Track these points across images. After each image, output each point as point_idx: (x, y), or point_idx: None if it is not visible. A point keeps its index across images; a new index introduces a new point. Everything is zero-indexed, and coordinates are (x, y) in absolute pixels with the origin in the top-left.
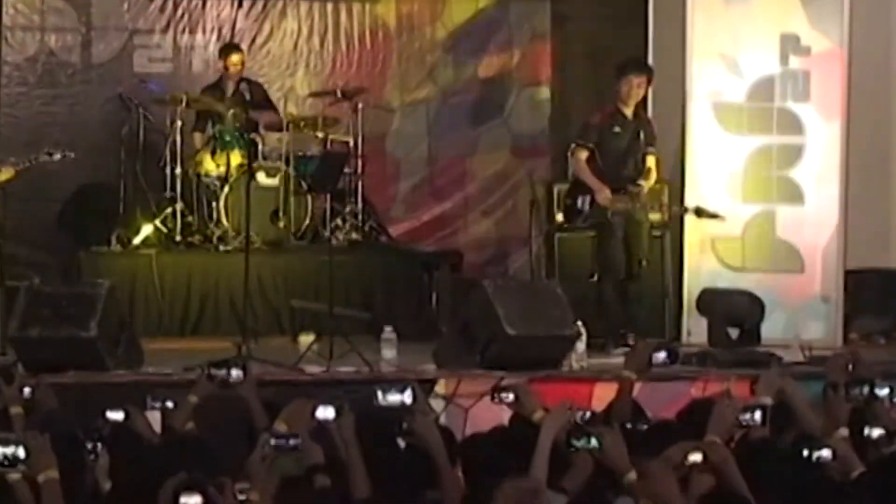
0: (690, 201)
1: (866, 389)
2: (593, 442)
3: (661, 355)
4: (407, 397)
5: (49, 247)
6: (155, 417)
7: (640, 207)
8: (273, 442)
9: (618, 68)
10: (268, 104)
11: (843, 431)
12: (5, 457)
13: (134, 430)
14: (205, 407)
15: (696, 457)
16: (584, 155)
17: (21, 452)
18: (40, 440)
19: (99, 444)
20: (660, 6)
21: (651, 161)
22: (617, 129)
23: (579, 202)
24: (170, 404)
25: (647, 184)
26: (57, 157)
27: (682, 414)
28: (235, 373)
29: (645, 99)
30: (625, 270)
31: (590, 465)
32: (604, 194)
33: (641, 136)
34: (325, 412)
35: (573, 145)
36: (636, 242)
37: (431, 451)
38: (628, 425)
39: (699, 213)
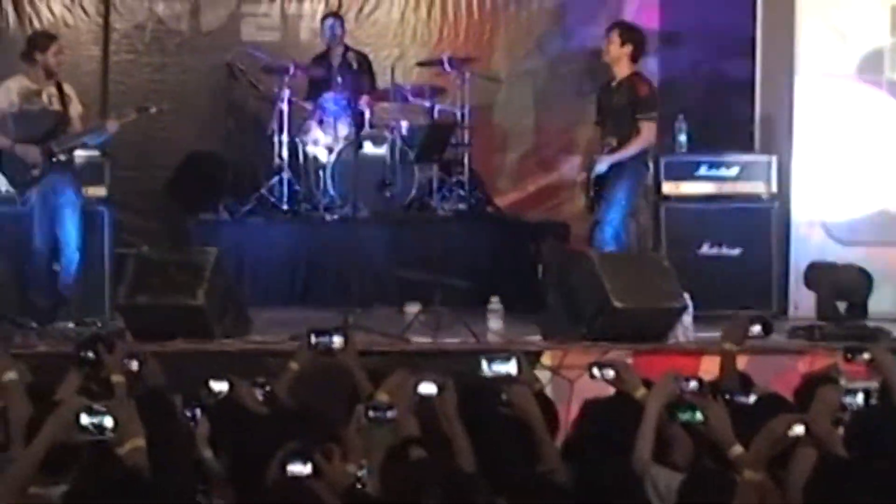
0: (797, 177)
1: None
2: (698, 415)
3: (756, 328)
4: (512, 367)
5: (157, 215)
6: None
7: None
8: (371, 414)
9: None
10: (368, 77)
11: None
12: (93, 426)
13: (239, 400)
14: (307, 375)
15: (798, 429)
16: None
17: (108, 422)
18: (128, 409)
19: (198, 411)
20: None
21: (642, 127)
22: (604, 99)
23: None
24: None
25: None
26: (153, 110)
27: (799, 390)
28: (337, 340)
29: (753, 74)
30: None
31: (690, 441)
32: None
33: (628, 101)
34: (428, 388)
35: None
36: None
37: (529, 422)
38: (733, 398)
39: None
